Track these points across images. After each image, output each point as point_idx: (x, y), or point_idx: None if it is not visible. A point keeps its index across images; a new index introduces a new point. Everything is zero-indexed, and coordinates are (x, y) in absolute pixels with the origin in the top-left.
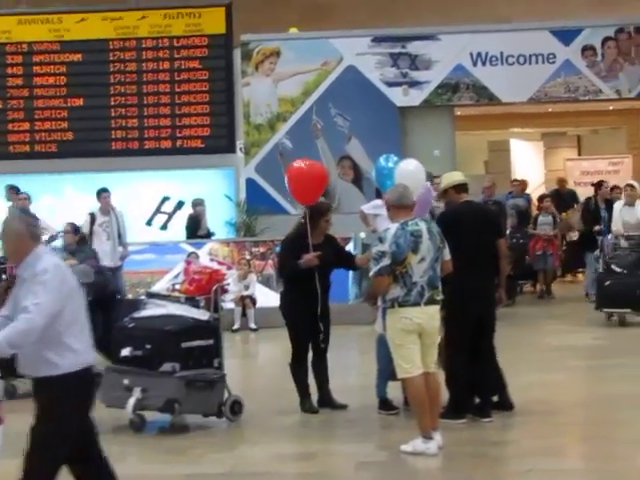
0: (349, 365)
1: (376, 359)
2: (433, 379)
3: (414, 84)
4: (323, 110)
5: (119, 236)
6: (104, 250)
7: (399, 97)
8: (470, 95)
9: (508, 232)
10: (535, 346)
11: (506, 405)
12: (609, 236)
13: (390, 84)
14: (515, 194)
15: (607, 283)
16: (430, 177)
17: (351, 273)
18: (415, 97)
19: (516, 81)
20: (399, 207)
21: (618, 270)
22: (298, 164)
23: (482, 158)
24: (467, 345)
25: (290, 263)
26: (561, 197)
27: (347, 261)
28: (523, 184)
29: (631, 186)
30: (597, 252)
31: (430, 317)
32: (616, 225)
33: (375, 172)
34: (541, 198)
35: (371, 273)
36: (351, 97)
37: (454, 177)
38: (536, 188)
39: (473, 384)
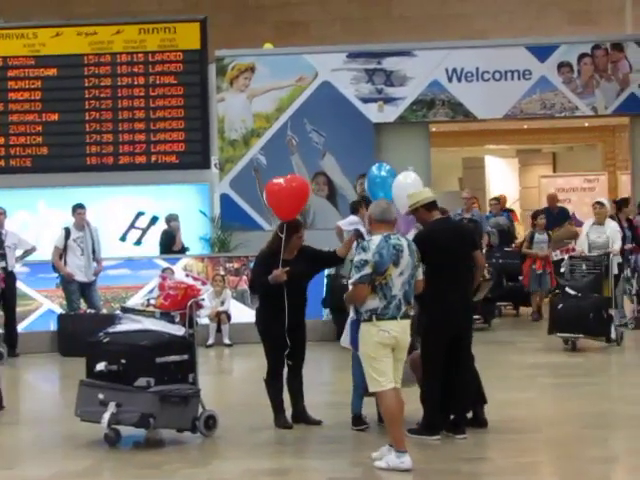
0: (324, 381)
1: (352, 375)
2: (399, 395)
3: (389, 100)
4: (298, 126)
5: (93, 251)
6: (78, 265)
7: (374, 113)
8: (445, 111)
9: (484, 251)
10: (509, 364)
11: (480, 422)
12: (565, 257)
13: (365, 100)
14: (495, 212)
15: (560, 306)
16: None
17: (325, 288)
18: (390, 113)
19: (492, 97)
20: (381, 222)
21: (572, 293)
22: (278, 180)
23: (457, 175)
24: (442, 360)
25: (260, 279)
26: (551, 215)
27: (330, 259)
28: (502, 201)
29: (600, 204)
30: (628, 272)
31: (404, 331)
32: (581, 245)
33: (367, 181)
34: (535, 215)
35: (351, 280)
36: (326, 113)
37: (423, 194)
38: (510, 205)
39: (449, 399)
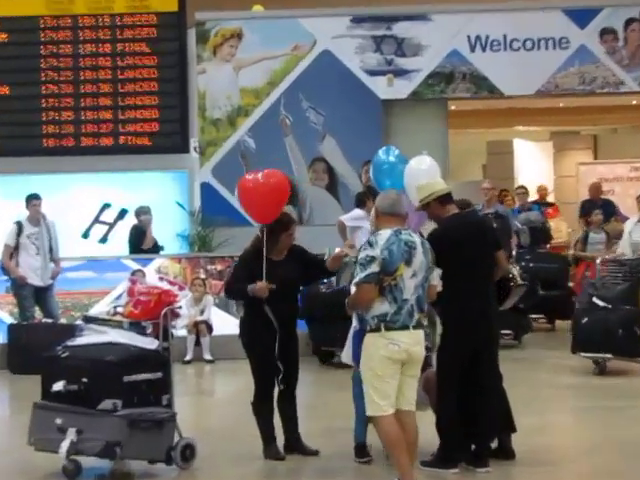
0: (315, 404)
1: (353, 399)
2: (412, 420)
3: (400, 73)
4: (293, 103)
5: (50, 250)
6: (33, 266)
7: (383, 88)
8: (467, 86)
9: (514, 253)
10: (539, 384)
11: (507, 452)
12: (597, 261)
13: (372, 73)
14: (522, 205)
15: (584, 321)
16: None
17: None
18: (402, 88)
19: (522, 70)
20: (390, 215)
21: (600, 304)
22: (251, 176)
23: (480, 162)
24: (459, 379)
25: (239, 285)
26: (595, 208)
27: (322, 268)
28: (542, 192)
29: None
30: None
31: (417, 343)
32: (623, 246)
33: (372, 168)
34: (586, 209)
35: (355, 280)
36: (326, 88)
37: (436, 186)
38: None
39: (470, 425)
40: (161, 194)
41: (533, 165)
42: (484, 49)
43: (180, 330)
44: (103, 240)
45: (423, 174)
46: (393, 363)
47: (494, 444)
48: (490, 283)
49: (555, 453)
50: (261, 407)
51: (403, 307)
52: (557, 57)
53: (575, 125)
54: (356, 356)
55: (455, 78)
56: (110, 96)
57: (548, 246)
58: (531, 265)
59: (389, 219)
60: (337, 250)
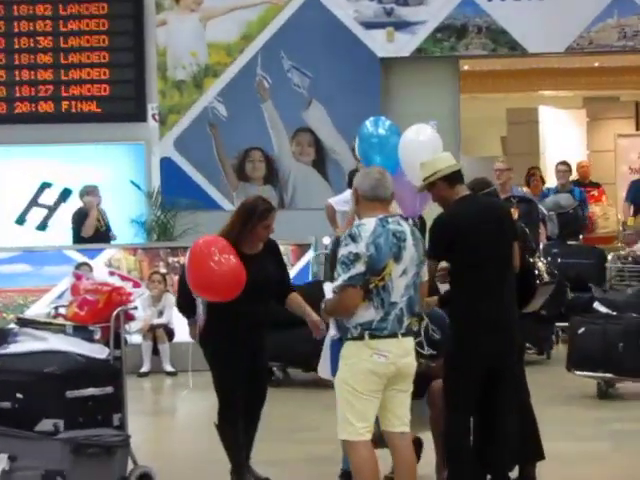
0: (306, 425)
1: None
2: (408, 444)
3: (403, 26)
4: (272, 62)
5: None
6: None
7: (382, 44)
8: (483, 42)
9: (542, 246)
10: (569, 403)
11: None
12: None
13: (369, 25)
14: (562, 185)
15: (580, 331)
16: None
17: None
18: (404, 44)
19: (549, 23)
20: (373, 200)
21: (602, 310)
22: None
23: (499, 133)
24: (473, 400)
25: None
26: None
27: (279, 290)
28: (583, 168)
29: None
30: None
31: (407, 353)
32: None
33: (359, 141)
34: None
35: (337, 283)
36: (312, 44)
37: (442, 162)
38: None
39: (485, 450)
40: (112, 171)
41: (563, 137)
42: None
43: (135, 335)
44: (42, 227)
45: (422, 148)
46: (377, 379)
47: (514, 474)
48: (508, 282)
49: None
50: (227, 428)
51: (391, 312)
52: (591, 7)
53: (613, 89)
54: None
55: (468, 32)
56: (50, 53)
57: (581, 237)
58: (559, 261)
59: (373, 205)
60: (314, 319)
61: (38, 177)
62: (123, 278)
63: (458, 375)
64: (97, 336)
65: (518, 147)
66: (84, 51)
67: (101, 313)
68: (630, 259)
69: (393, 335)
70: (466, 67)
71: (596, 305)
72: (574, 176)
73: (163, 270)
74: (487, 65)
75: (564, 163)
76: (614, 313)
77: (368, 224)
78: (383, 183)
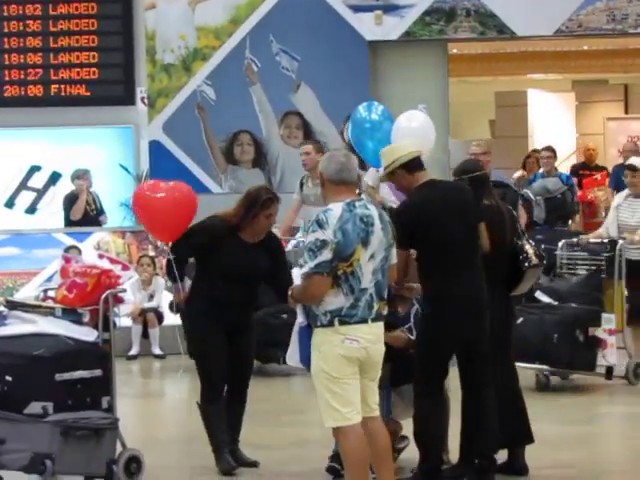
0: (291, 408)
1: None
2: (379, 426)
3: (391, 9)
4: (261, 45)
5: None
6: None
7: (369, 27)
8: (471, 26)
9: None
10: (557, 386)
11: (518, 468)
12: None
13: (357, 9)
14: (547, 171)
15: (520, 321)
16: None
17: None
18: (392, 27)
19: (538, 6)
20: (339, 183)
21: (544, 300)
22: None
23: (487, 116)
24: (441, 383)
25: (188, 242)
26: None
27: (281, 289)
28: (589, 151)
29: (633, 168)
30: None
31: (378, 339)
32: (607, 229)
33: (351, 127)
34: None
35: (304, 269)
36: (301, 27)
37: (401, 150)
38: (563, 161)
39: (470, 434)
40: (101, 155)
41: (552, 120)
42: None
43: (124, 319)
44: (31, 210)
45: (414, 133)
46: (350, 363)
47: (500, 457)
48: (476, 265)
49: (578, 469)
50: (209, 410)
51: (361, 298)
52: None
53: (602, 72)
54: (306, 357)
55: (457, 15)
56: (39, 36)
57: (570, 222)
58: (543, 247)
59: (339, 189)
60: None
61: (27, 160)
62: (112, 261)
63: (427, 359)
64: (86, 319)
65: (507, 130)
66: (73, 34)
67: (90, 296)
68: (578, 246)
69: (363, 321)
70: (455, 50)
71: (538, 294)
72: (581, 159)
73: (152, 253)
74: (476, 48)
75: (548, 149)
76: (555, 303)
77: (335, 209)
78: (348, 166)
